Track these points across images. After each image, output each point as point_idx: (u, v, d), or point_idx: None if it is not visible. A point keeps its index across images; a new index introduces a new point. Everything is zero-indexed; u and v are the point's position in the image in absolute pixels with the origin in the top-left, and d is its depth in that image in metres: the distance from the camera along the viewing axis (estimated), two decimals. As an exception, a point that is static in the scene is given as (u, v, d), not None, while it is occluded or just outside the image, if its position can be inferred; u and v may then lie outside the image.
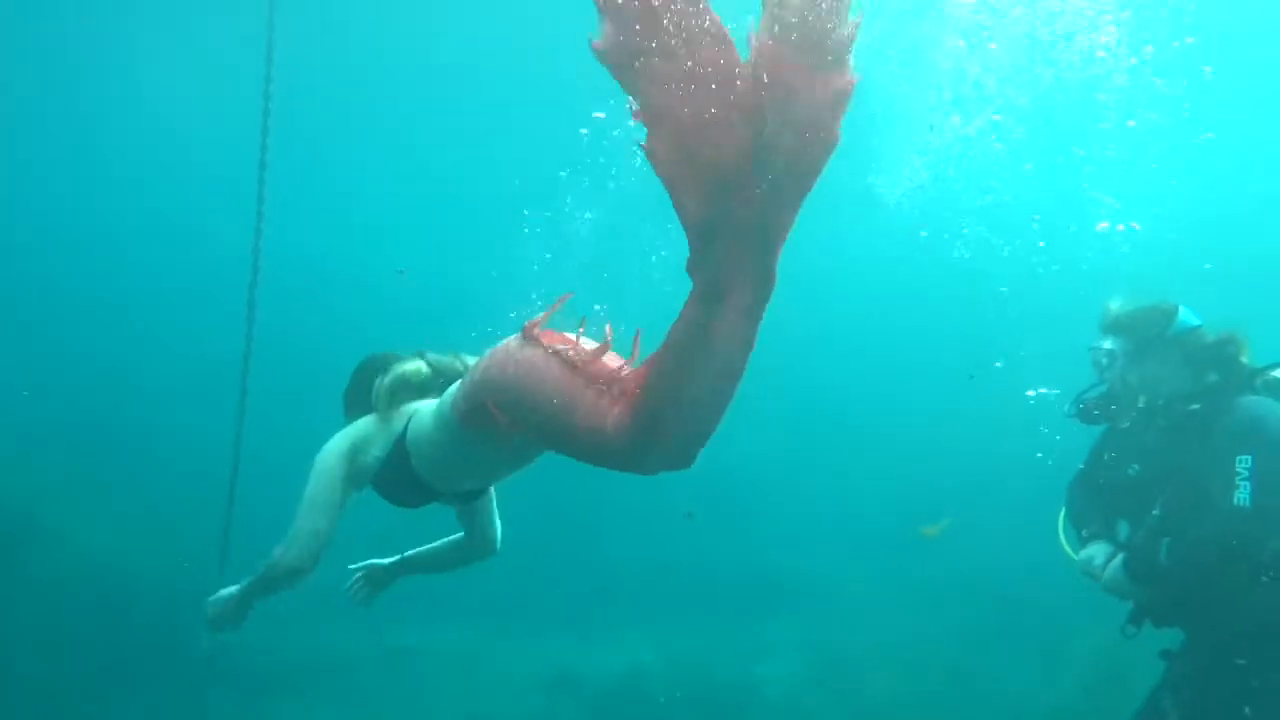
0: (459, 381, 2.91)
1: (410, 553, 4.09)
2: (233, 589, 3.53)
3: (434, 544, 4.11)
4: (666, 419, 2.27)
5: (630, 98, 1.95)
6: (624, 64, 1.92)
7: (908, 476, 16.34)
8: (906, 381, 19.28)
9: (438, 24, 16.69)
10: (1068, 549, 4.47)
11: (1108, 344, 4.26)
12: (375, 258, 20.14)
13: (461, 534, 3.99)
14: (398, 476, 3.16)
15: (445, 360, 3.39)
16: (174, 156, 18.79)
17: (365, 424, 3.27)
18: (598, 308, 2.72)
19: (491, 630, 12.47)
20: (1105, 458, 4.41)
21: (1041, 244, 13.42)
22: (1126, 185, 12.72)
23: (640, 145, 1.99)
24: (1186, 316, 4.18)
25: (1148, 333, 4.16)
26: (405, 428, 3.14)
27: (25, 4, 16.09)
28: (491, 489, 3.83)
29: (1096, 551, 4.22)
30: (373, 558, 4.08)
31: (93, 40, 16.93)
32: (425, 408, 3.14)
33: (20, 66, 17.37)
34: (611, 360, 2.50)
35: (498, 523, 3.94)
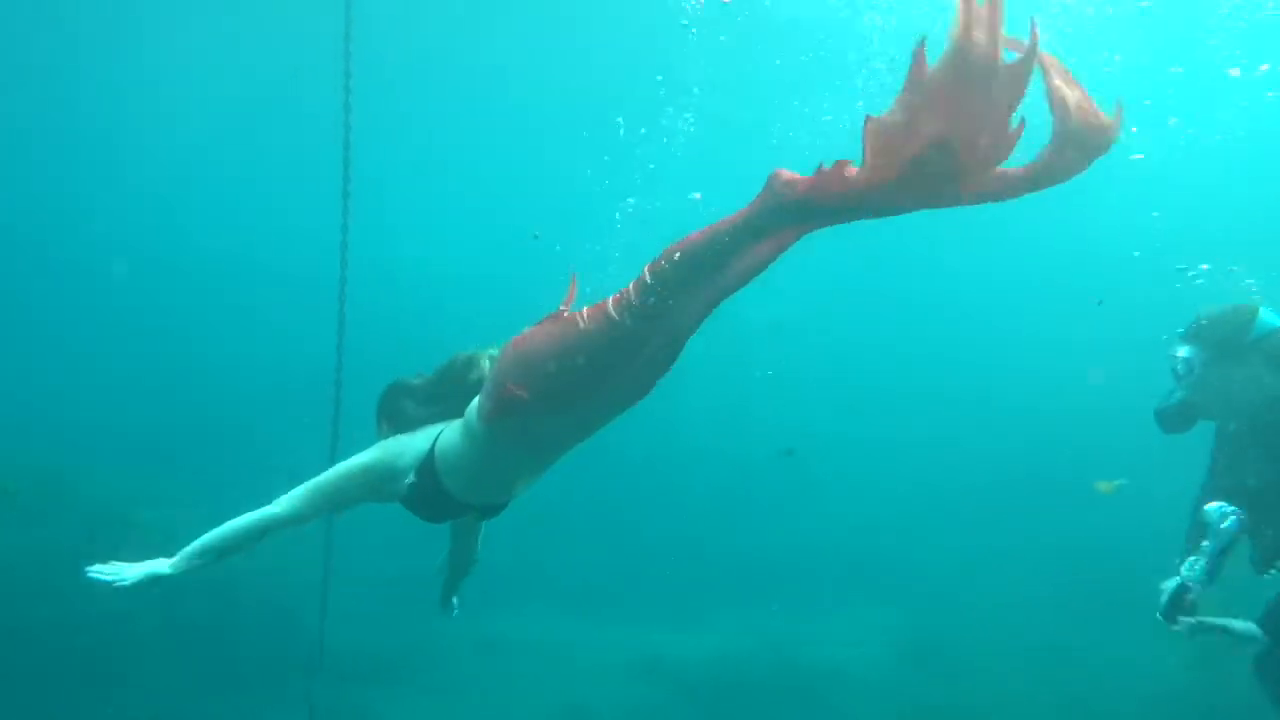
0: (479, 395, 3.11)
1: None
2: (163, 564, 3.42)
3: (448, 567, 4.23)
4: (672, 282, 2.65)
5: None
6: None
7: (999, 450, 15.88)
8: (992, 352, 18.73)
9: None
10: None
11: (1183, 352, 4.09)
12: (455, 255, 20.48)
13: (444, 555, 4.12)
14: (429, 495, 3.26)
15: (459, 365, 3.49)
16: (255, 157, 19.38)
17: (394, 442, 3.37)
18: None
19: (582, 619, 12.54)
20: (1220, 468, 4.21)
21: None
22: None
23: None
24: (1268, 318, 3.96)
25: (1226, 338, 3.98)
26: (432, 447, 3.25)
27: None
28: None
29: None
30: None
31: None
32: (450, 426, 3.27)
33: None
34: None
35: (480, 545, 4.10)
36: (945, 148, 2.24)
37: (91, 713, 8.41)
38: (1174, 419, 4.27)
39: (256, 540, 3.34)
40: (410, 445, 3.32)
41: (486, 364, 3.37)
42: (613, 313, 2.78)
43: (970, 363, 18.66)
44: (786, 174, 2.55)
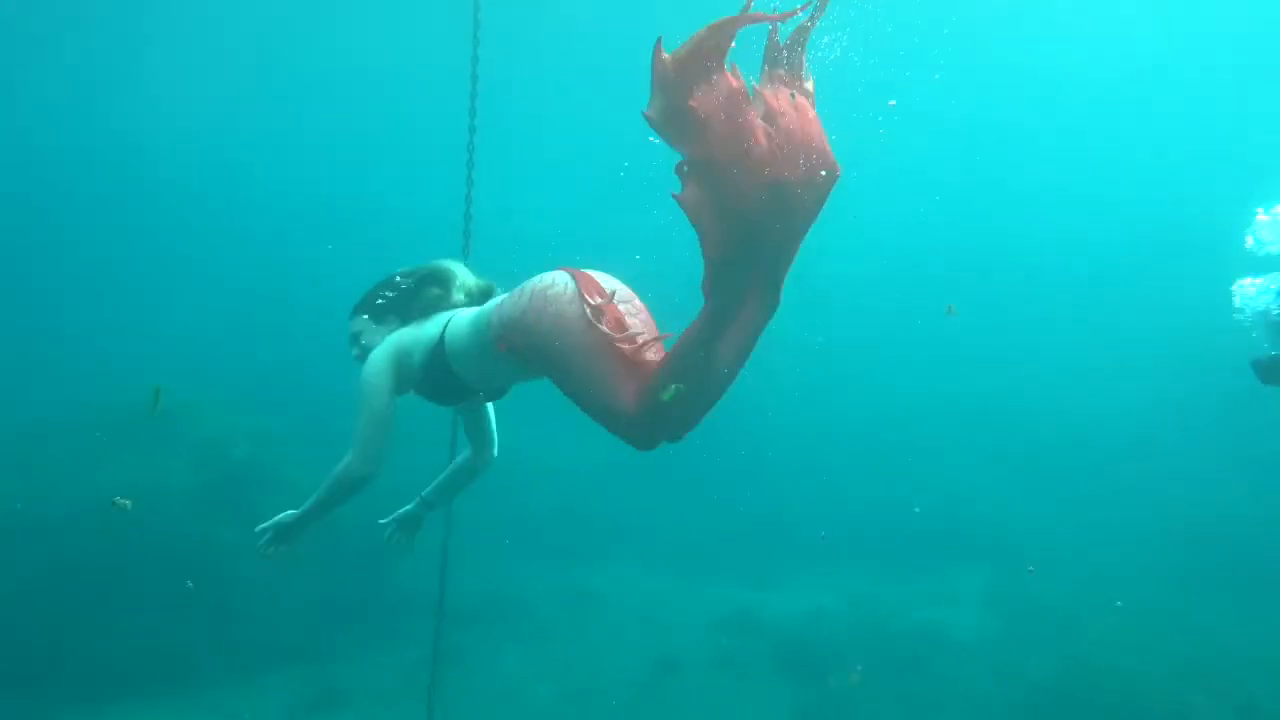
0: (499, 299, 3.14)
1: (426, 490, 4.08)
2: (290, 513, 3.56)
3: (444, 474, 4.11)
4: (669, 410, 2.68)
5: (677, 152, 2.31)
6: (668, 129, 2.33)
7: (1098, 419, 15.03)
8: (1091, 317, 17.79)
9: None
10: None
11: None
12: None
13: (464, 455, 4.03)
14: (439, 378, 3.31)
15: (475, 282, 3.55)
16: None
17: (402, 335, 3.38)
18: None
19: (670, 576, 12.39)
20: None
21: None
22: None
23: (674, 195, 2.38)
24: None
25: None
26: (442, 334, 3.29)
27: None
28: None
29: None
30: (398, 508, 4.06)
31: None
32: (461, 316, 3.31)
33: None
34: (645, 346, 2.83)
35: (496, 431, 3.99)
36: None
37: (205, 645, 8.67)
38: (1271, 370, 4.37)
39: (351, 494, 3.40)
40: (421, 334, 3.35)
41: (460, 295, 3.45)
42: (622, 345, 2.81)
43: (1064, 320, 17.74)
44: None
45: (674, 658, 9.63)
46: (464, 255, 4.52)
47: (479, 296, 3.51)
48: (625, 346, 2.80)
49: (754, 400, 16.39)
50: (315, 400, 12.65)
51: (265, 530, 3.55)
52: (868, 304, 18.82)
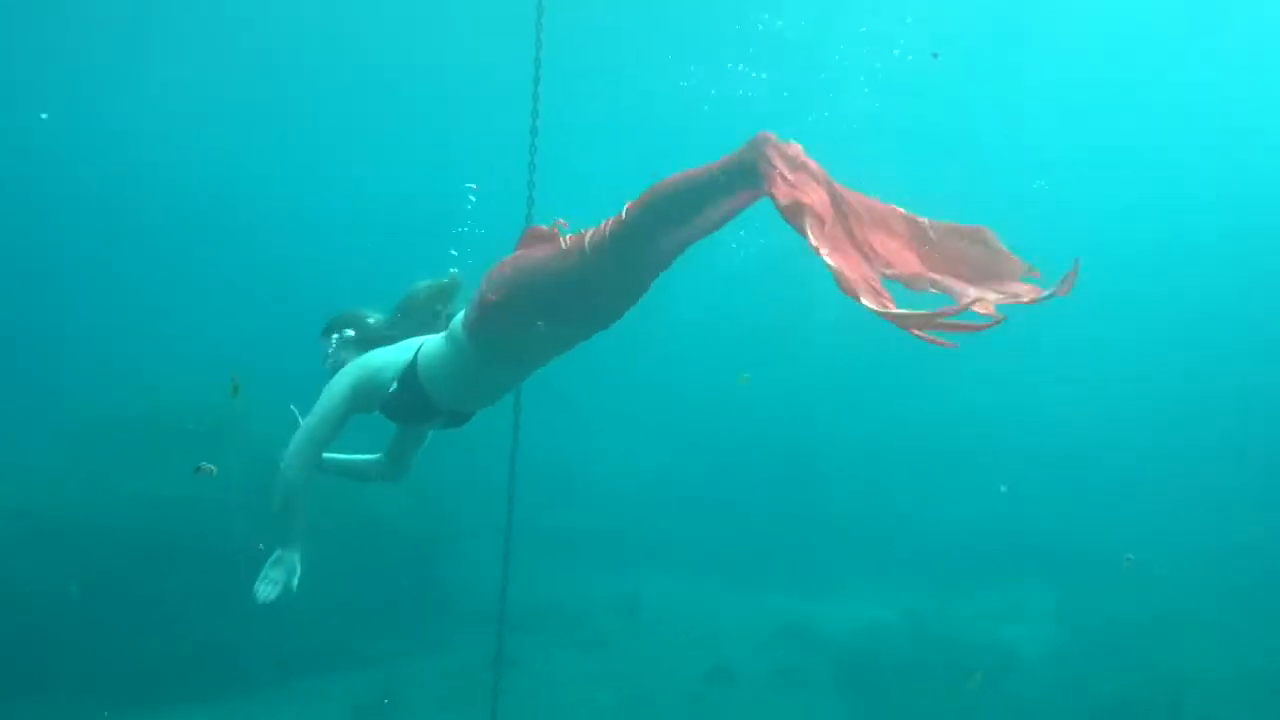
0: (460, 315, 3.24)
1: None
2: (275, 555, 3.51)
3: (349, 461, 3.94)
4: (641, 226, 2.79)
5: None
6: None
7: (1168, 430, 14.45)
8: (1160, 327, 17.20)
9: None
10: None
11: None
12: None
13: (375, 458, 3.92)
14: (409, 399, 3.34)
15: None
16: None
17: (373, 356, 3.43)
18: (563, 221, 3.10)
19: (722, 585, 12.05)
20: None
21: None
22: None
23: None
24: None
25: None
26: (414, 357, 3.33)
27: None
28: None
29: None
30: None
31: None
32: (433, 338, 3.38)
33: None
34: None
35: (416, 465, 3.96)
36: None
37: (260, 649, 8.52)
38: None
39: (308, 484, 3.42)
40: (393, 358, 3.40)
41: (438, 296, 3.53)
42: (587, 247, 2.92)
43: (1129, 329, 17.16)
44: (771, 145, 2.62)
45: (729, 668, 9.31)
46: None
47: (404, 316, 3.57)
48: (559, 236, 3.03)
49: (805, 407, 16.13)
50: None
51: (267, 589, 3.44)
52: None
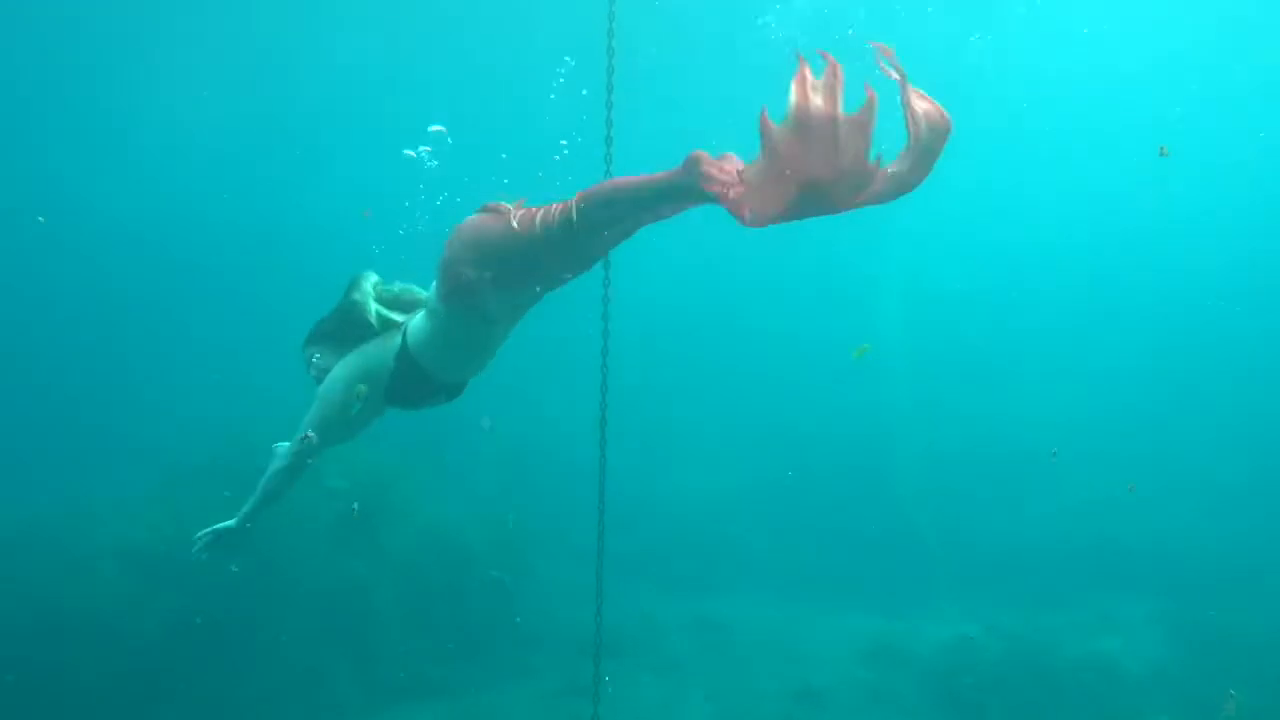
0: (435, 281, 3.33)
1: (248, 506, 3.80)
2: (228, 523, 3.70)
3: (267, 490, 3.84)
4: (593, 219, 2.96)
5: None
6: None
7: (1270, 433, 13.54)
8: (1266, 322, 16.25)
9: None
10: None
11: None
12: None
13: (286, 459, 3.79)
14: (409, 378, 3.47)
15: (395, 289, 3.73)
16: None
17: (366, 352, 3.54)
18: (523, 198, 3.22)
19: (797, 603, 11.61)
20: None
21: None
22: None
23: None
24: None
25: None
26: (404, 339, 3.46)
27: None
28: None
29: None
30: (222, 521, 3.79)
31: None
32: (414, 318, 3.50)
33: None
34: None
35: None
36: (813, 188, 2.53)
37: (345, 678, 8.46)
38: None
39: (295, 478, 3.58)
40: (381, 347, 3.52)
41: (371, 305, 3.62)
42: (537, 225, 3.06)
43: (1223, 325, 16.22)
44: (703, 164, 2.71)
45: (816, 689, 8.89)
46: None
47: (398, 299, 3.69)
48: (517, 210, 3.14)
49: (882, 422, 15.62)
50: (439, 435, 12.58)
51: (203, 537, 3.72)
52: (1005, 314, 17.75)
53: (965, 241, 20.56)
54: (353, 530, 9.06)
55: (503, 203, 3.22)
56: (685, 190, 2.78)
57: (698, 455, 15.37)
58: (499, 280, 3.16)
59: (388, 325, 3.61)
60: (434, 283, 3.36)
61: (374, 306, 3.64)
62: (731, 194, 2.61)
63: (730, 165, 2.70)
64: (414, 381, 3.48)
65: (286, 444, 3.55)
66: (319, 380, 3.61)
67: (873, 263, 20.05)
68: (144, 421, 13.77)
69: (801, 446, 14.87)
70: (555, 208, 3.05)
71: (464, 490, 10.98)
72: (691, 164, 2.72)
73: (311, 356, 3.68)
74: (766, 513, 13.66)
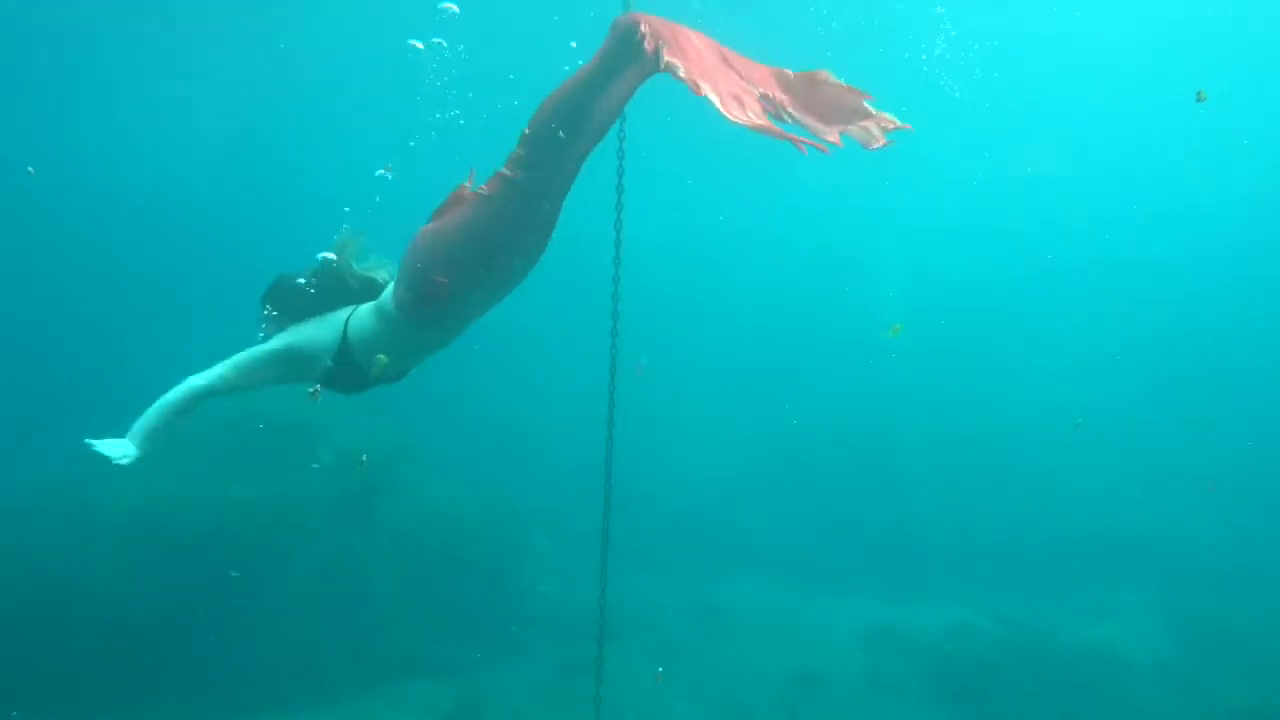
0: (391, 284, 3.26)
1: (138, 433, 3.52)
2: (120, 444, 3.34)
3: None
4: (544, 164, 2.92)
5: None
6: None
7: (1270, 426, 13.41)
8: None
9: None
10: None
11: None
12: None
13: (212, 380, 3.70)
14: (346, 373, 3.38)
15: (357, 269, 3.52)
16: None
17: (299, 335, 3.39)
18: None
19: (797, 588, 11.51)
20: None
21: None
22: None
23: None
24: None
25: None
26: (343, 333, 3.33)
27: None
28: None
29: None
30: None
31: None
32: (362, 309, 3.36)
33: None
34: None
35: None
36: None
37: (343, 654, 8.35)
38: None
39: (189, 411, 3.36)
40: (321, 332, 3.38)
41: (359, 271, 3.48)
42: (506, 172, 3.00)
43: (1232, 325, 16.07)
44: (624, 20, 2.83)
45: (816, 674, 8.79)
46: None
47: (364, 284, 3.51)
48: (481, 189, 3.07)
49: (883, 407, 15.48)
50: (444, 412, 12.43)
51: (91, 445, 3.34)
52: (1004, 303, 17.57)
53: (968, 228, 20.37)
54: (352, 507, 8.93)
55: (465, 187, 3.17)
56: (618, 55, 2.83)
57: (698, 440, 15.25)
58: (476, 271, 3.11)
59: (364, 291, 3.50)
60: (389, 290, 3.27)
61: (357, 270, 3.51)
62: (652, 44, 2.75)
63: (655, 19, 2.80)
64: (351, 375, 3.41)
65: (198, 377, 3.35)
66: (265, 338, 3.46)
67: (875, 249, 19.89)
68: (143, 392, 13.60)
69: (802, 433, 14.75)
70: (515, 149, 3.00)
71: (461, 469, 10.84)
72: (614, 26, 2.83)
73: (268, 312, 3.52)
74: (766, 498, 13.54)
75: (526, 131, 2.97)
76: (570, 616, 9.58)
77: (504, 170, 3.02)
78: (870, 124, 2.87)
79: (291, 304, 3.47)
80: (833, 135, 2.81)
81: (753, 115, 2.68)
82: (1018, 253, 19.20)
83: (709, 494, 13.56)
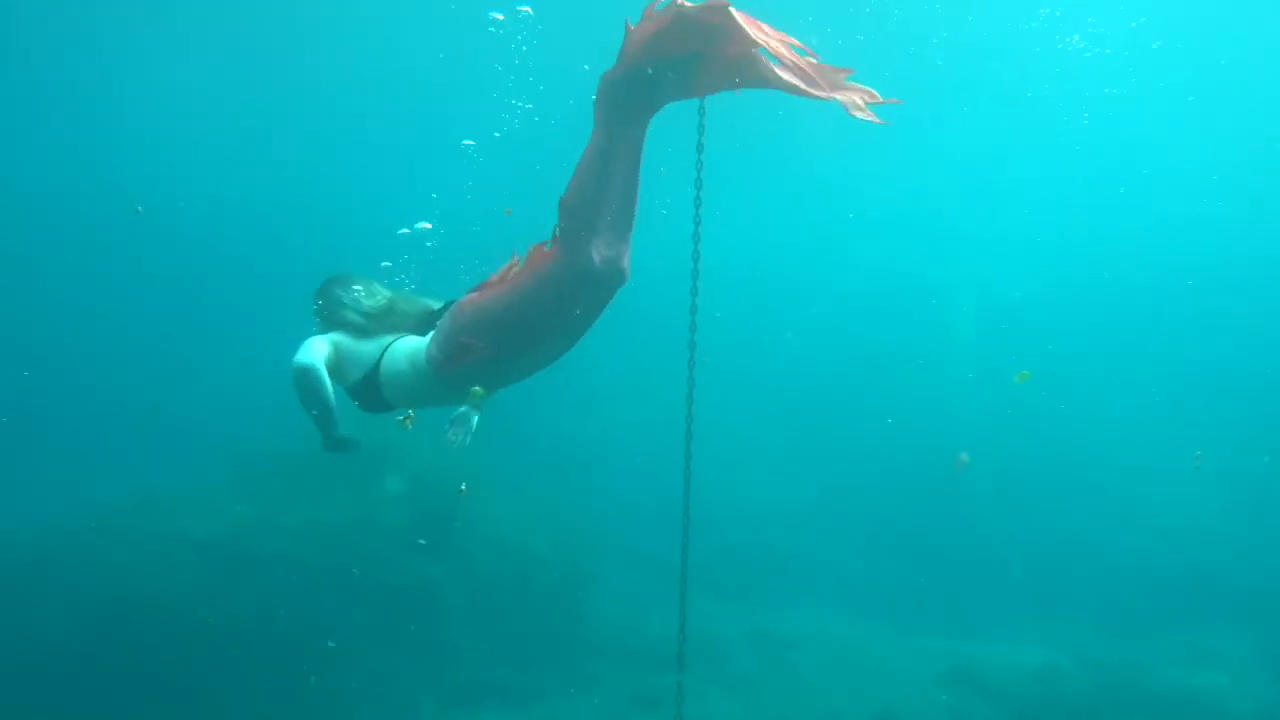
0: (431, 336, 3.30)
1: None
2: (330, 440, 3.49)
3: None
4: (589, 222, 2.97)
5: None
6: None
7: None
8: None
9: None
10: None
11: None
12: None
13: None
14: (368, 395, 3.42)
15: (407, 299, 3.56)
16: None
17: (340, 347, 3.42)
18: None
19: (867, 620, 11.06)
20: None
21: None
22: None
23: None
24: None
25: None
26: (379, 360, 3.36)
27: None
28: None
29: None
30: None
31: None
32: (400, 346, 3.38)
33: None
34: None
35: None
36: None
37: (419, 678, 8.27)
38: None
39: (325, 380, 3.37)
40: (361, 349, 3.42)
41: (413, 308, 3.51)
42: (546, 253, 3.03)
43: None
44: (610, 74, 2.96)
45: (895, 713, 8.35)
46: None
47: (382, 317, 3.51)
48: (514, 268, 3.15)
49: (953, 430, 14.90)
50: (515, 437, 12.36)
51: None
52: (1091, 321, 16.82)
53: (1041, 245, 19.66)
54: (423, 532, 8.88)
55: (492, 275, 3.21)
56: (610, 104, 2.92)
57: (760, 464, 14.89)
58: (494, 357, 3.14)
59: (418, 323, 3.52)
60: (426, 342, 3.32)
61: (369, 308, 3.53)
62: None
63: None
64: (370, 398, 3.46)
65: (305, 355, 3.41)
66: (322, 326, 3.51)
67: (939, 268, 19.35)
68: (212, 413, 13.88)
69: (869, 456, 14.27)
70: (553, 233, 3.03)
71: (530, 494, 10.73)
72: (602, 80, 2.94)
73: (319, 308, 3.58)
74: (830, 525, 13.12)
75: (560, 211, 3.00)
76: (638, 644, 9.36)
77: (544, 251, 3.04)
78: (854, 94, 2.92)
79: (334, 311, 3.51)
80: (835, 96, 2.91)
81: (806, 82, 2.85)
82: (1104, 267, 18.38)
83: (771, 519, 13.20)
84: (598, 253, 2.99)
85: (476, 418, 3.60)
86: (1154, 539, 12.25)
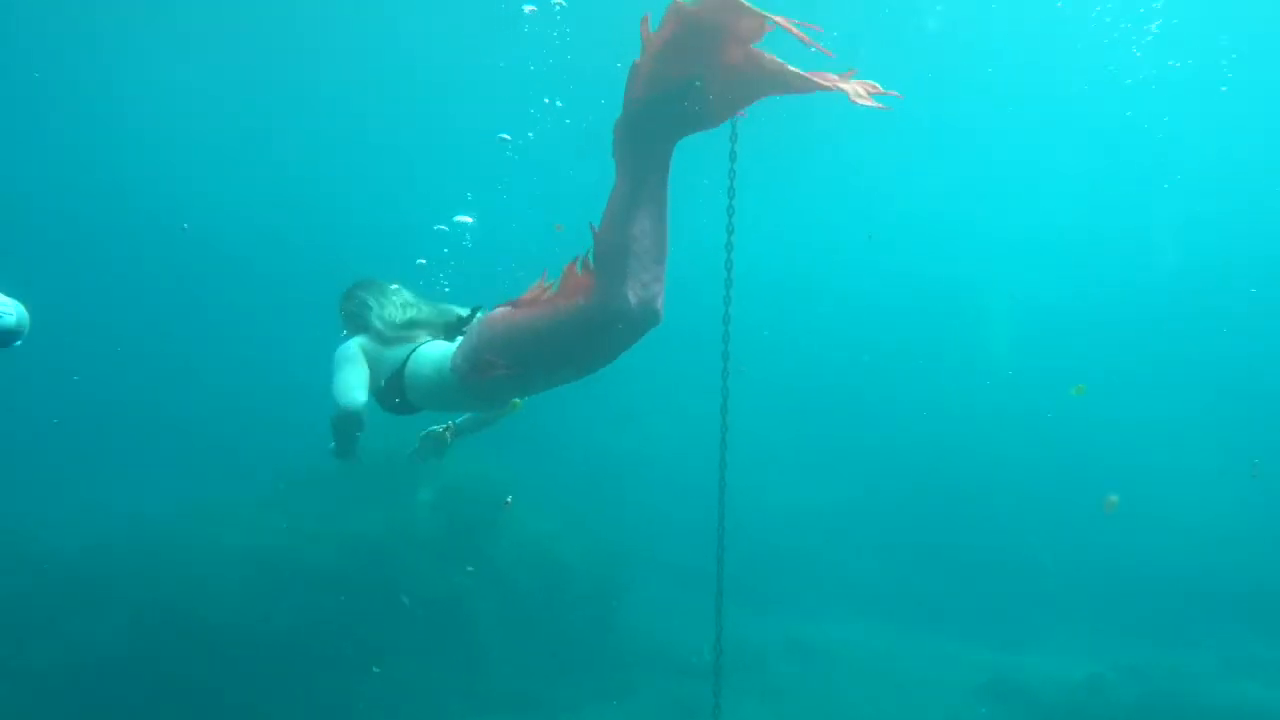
0: (459, 344, 3.33)
1: (460, 419, 3.92)
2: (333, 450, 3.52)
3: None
4: (621, 264, 2.99)
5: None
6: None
7: None
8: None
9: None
10: None
11: None
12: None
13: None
14: (392, 399, 3.43)
15: (432, 307, 3.58)
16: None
17: (367, 349, 3.43)
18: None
19: (902, 630, 10.89)
20: None
21: None
22: None
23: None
24: None
25: None
26: (405, 364, 3.39)
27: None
28: None
29: None
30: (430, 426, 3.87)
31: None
32: (426, 352, 3.40)
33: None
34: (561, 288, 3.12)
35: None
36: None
37: (452, 689, 8.27)
38: None
39: (348, 429, 3.37)
40: (388, 353, 3.44)
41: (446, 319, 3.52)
42: (580, 281, 3.03)
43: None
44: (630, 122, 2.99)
45: (934, 726, 8.19)
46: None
47: (404, 328, 3.51)
48: (546, 293, 3.13)
49: (992, 441, 14.64)
50: (548, 448, 12.38)
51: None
52: (1131, 326, 16.48)
53: (1074, 247, 19.31)
54: (455, 543, 8.90)
55: (527, 292, 3.22)
56: (630, 141, 2.95)
57: (792, 471, 14.73)
58: (517, 372, 3.16)
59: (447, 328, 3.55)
60: (454, 349, 3.34)
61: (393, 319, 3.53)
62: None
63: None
64: (396, 403, 3.47)
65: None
66: (349, 329, 3.53)
67: (968, 272, 19.08)
68: (254, 428, 14.05)
69: (905, 463, 14.05)
70: (587, 273, 3.04)
71: (561, 503, 10.70)
72: (617, 125, 2.97)
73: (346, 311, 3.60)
74: (864, 533, 12.92)
75: (590, 256, 3.03)
76: (672, 654, 9.28)
77: (579, 269, 3.05)
78: (857, 85, 2.95)
79: (359, 315, 3.52)
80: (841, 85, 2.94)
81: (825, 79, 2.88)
82: (1147, 270, 18.01)
83: (805, 528, 13.04)
84: (634, 294, 3.00)
85: (451, 441, 3.78)
86: (1190, 545, 11.93)
